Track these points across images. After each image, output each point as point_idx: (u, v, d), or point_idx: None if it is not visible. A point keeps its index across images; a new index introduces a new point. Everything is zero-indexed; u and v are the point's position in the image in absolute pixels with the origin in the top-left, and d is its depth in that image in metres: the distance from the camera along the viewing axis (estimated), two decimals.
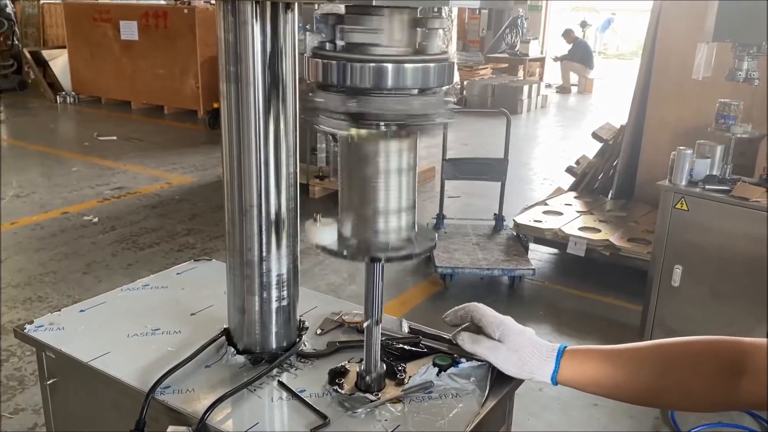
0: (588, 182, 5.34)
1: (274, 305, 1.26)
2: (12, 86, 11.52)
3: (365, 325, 1.15)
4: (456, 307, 1.26)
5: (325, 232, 1.08)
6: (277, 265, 1.24)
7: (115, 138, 8.27)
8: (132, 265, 4.41)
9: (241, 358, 1.26)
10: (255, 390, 1.18)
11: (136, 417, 1.12)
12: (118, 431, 1.14)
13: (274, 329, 1.27)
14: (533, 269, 4.08)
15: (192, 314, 1.44)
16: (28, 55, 11.41)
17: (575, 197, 5.12)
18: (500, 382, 1.20)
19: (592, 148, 5.47)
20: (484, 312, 1.21)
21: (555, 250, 4.64)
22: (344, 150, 1.03)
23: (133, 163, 7.10)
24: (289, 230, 1.24)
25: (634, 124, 4.83)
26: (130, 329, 1.37)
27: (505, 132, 4.54)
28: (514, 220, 4.57)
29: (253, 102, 1.15)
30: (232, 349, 1.27)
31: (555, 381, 1.14)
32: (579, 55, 13.68)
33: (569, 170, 5.60)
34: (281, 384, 1.19)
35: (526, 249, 4.47)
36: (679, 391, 1.07)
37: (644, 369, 1.09)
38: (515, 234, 4.57)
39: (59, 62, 11.31)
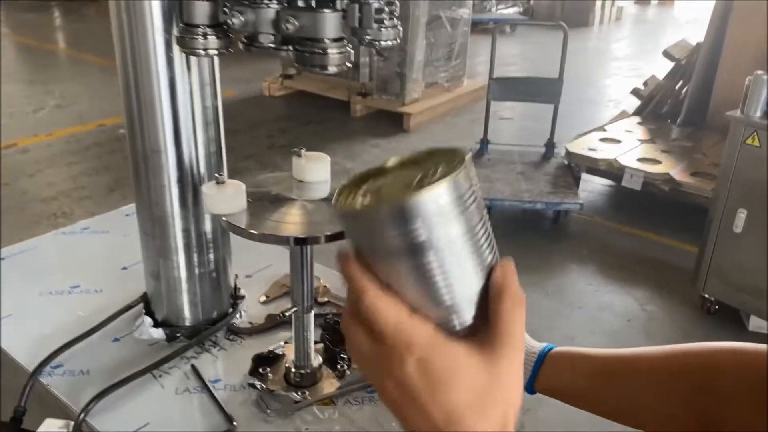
0: (655, 106, 4.83)
1: (197, 271, 1.03)
2: None
3: (290, 312, 0.90)
4: None
5: (232, 197, 0.82)
6: (197, 223, 0.99)
7: None
8: None
9: (157, 332, 1.04)
10: (161, 376, 0.97)
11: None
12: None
13: (194, 300, 1.04)
14: (580, 203, 3.72)
15: (123, 268, 1.23)
16: None
17: (638, 123, 4.64)
18: None
19: (666, 68, 4.91)
20: None
21: (609, 182, 4.24)
22: None
23: None
24: (212, 179, 0.99)
25: (712, 42, 4.26)
26: (45, 285, 1.17)
27: (565, 48, 4.07)
28: (566, 147, 4.17)
29: (149, 13, 0.87)
30: (149, 320, 1.05)
31: (531, 390, 0.88)
32: None
33: (635, 92, 5.08)
34: (194, 370, 0.98)
35: (577, 180, 4.09)
36: (702, 418, 0.78)
37: (649, 389, 0.81)
38: (566, 163, 4.18)
39: None
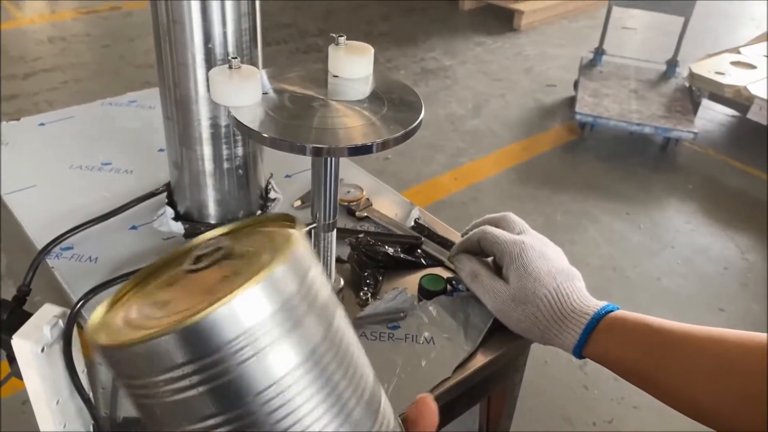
0: None
1: (224, 166, 0.92)
2: None
3: (308, 228, 0.78)
4: (468, 231, 0.86)
5: (243, 86, 0.69)
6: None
7: None
8: None
9: (176, 226, 0.96)
10: None
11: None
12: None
13: (218, 196, 0.94)
14: (695, 132, 3.35)
15: (160, 150, 1.15)
16: None
17: None
18: (504, 336, 0.81)
19: None
20: (497, 238, 0.79)
21: (733, 113, 3.80)
22: None
23: None
24: (249, 58, 0.86)
25: None
26: (77, 158, 1.10)
27: None
28: (689, 68, 3.74)
29: None
30: (171, 211, 0.97)
31: (579, 354, 0.74)
32: None
33: None
34: None
35: (696, 106, 3.69)
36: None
37: (718, 380, 0.65)
38: (687, 85, 3.76)
39: None
